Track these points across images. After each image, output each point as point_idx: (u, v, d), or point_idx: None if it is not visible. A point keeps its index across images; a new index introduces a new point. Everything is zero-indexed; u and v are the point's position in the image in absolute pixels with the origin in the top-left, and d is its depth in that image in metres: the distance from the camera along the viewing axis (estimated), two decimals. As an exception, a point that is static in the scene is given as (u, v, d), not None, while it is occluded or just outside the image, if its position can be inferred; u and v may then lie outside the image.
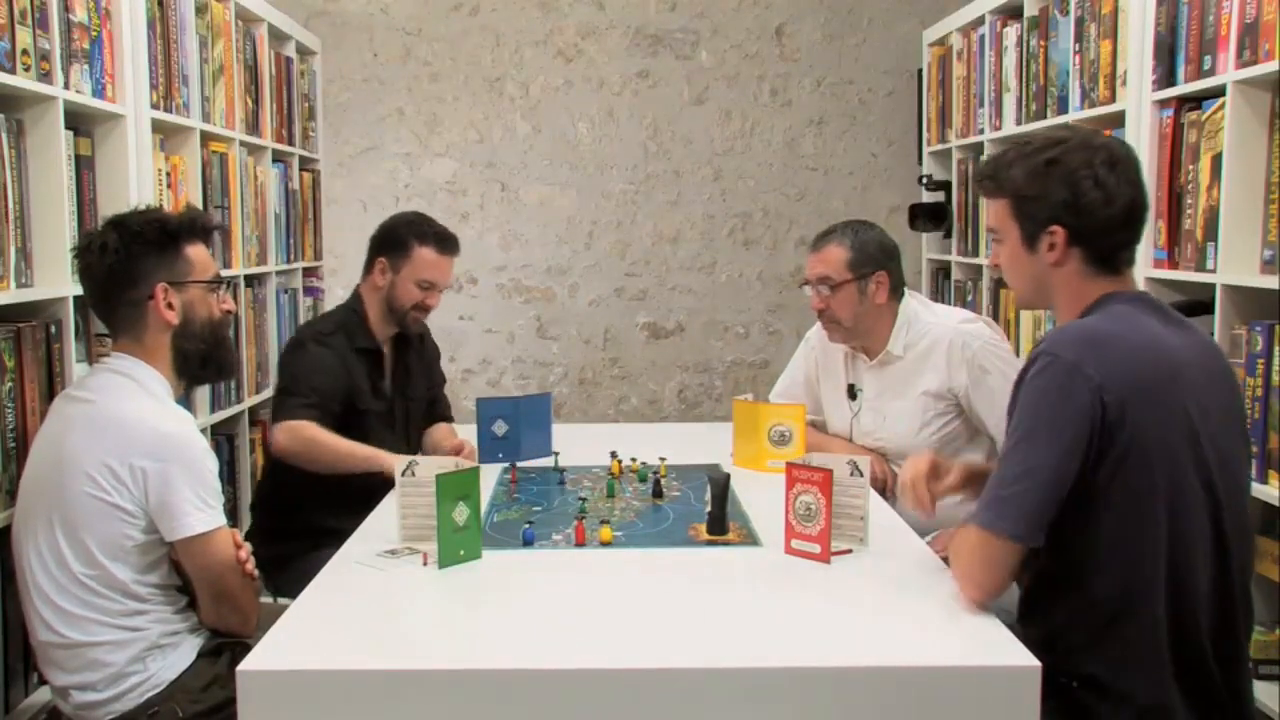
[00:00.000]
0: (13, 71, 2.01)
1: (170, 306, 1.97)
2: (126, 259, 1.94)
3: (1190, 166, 2.42)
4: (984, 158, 1.76)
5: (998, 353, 2.49)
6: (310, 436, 2.52)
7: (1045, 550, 1.64)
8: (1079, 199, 1.66)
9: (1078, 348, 1.59)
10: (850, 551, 1.93)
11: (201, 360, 2.03)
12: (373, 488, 2.40)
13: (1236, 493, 1.67)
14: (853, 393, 2.70)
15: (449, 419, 3.05)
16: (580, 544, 2.00)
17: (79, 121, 2.34)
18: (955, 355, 2.51)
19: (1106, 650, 1.59)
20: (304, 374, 2.62)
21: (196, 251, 2.02)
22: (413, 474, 1.97)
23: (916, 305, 2.64)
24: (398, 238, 2.78)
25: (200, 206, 2.81)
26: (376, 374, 2.79)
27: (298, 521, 2.64)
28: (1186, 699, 1.59)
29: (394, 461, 2.38)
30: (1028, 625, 1.67)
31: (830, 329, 2.65)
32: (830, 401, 2.78)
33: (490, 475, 2.49)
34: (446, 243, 2.81)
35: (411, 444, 2.86)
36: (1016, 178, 1.71)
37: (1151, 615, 1.57)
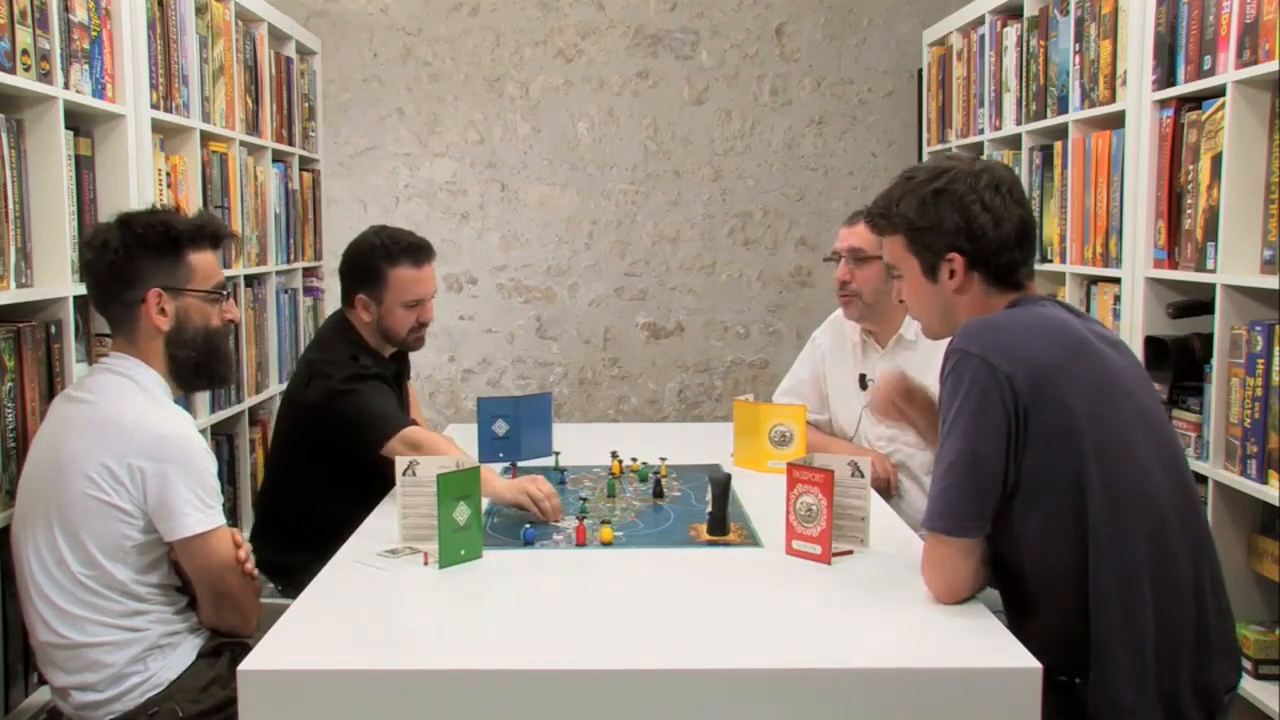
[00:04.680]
0: (13, 71, 2.01)
1: (163, 312, 1.95)
2: (125, 259, 1.93)
3: (1190, 166, 2.42)
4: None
5: None
6: (423, 442, 2.36)
7: (1005, 547, 1.66)
8: (970, 224, 1.71)
9: (981, 341, 1.64)
10: (851, 553, 1.93)
11: (194, 368, 2.02)
12: (376, 482, 2.39)
13: (1183, 472, 1.70)
14: (864, 383, 2.71)
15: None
16: (581, 544, 2.00)
17: (79, 121, 2.34)
18: None
19: (1091, 640, 1.60)
20: (378, 400, 2.47)
21: (201, 259, 2.00)
22: (413, 474, 1.97)
23: None
24: (369, 267, 2.59)
25: (200, 206, 2.80)
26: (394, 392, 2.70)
27: (311, 527, 2.50)
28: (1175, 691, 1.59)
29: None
30: (1019, 628, 1.67)
31: (849, 302, 2.66)
32: (839, 395, 2.79)
33: (490, 475, 2.48)
34: (420, 253, 2.62)
35: None
36: (907, 212, 1.76)
37: (1125, 599, 1.57)
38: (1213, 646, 1.64)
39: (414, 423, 2.50)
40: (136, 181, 2.45)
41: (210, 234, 2.03)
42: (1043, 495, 1.60)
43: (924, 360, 2.58)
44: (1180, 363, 2.45)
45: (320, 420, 2.49)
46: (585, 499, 2.26)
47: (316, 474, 2.60)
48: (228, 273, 3.00)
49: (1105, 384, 1.65)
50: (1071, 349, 1.65)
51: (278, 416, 2.86)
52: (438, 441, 2.40)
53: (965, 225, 1.71)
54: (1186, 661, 1.61)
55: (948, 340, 2.59)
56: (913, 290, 1.82)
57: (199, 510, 1.87)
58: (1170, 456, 1.68)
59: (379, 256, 2.59)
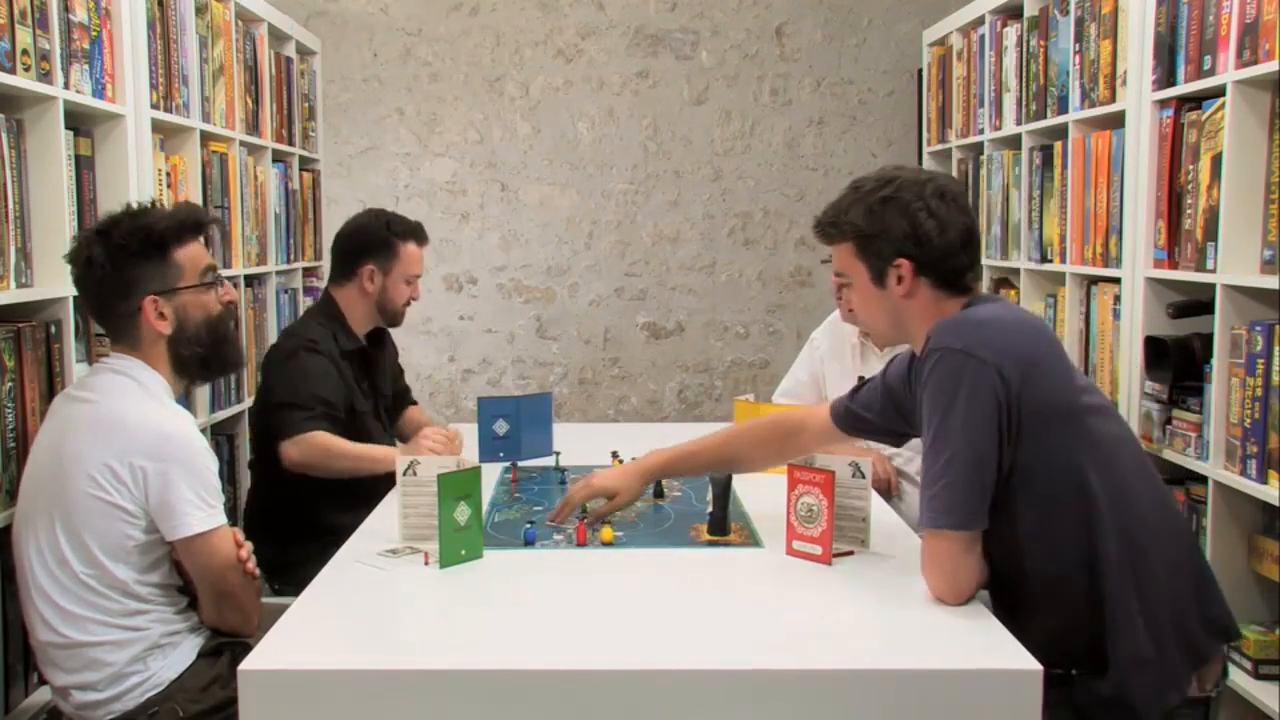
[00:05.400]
0: (13, 71, 2.01)
1: (162, 316, 1.94)
2: (114, 272, 1.90)
3: (1190, 166, 2.42)
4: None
5: None
6: (324, 446, 2.52)
7: (998, 547, 1.68)
8: (917, 230, 1.74)
9: (963, 337, 1.66)
10: (852, 553, 1.93)
11: (201, 362, 2.01)
12: (375, 483, 2.41)
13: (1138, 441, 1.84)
14: (862, 384, 2.71)
15: (414, 401, 3.18)
16: (581, 544, 2.00)
17: (79, 121, 2.33)
18: None
19: (1089, 629, 1.63)
20: (304, 384, 2.59)
21: (186, 253, 1.97)
22: (414, 474, 1.97)
23: None
24: (381, 240, 2.79)
25: (200, 206, 2.79)
26: (362, 374, 2.81)
27: (303, 522, 2.62)
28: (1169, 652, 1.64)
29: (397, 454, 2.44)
30: (1013, 628, 1.68)
31: (847, 311, 2.66)
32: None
33: (491, 475, 2.49)
34: (421, 233, 2.86)
35: (389, 435, 2.90)
36: (856, 219, 1.79)
37: (1116, 579, 1.62)
38: (1211, 587, 1.72)
39: (324, 428, 2.56)
40: (136, 181, 2.45)
41: (191, 225, 1.99)
42: (1038, 482, 1.64)
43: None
44: (1180, 363, 2.45)
45: (267, 389, 2.70)
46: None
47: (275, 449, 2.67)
48: (229, 272, 3.00)
49: (1073, 371, 1.75)
50: (1042, 338, 1.73)
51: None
52: (330, 443, 2.54)
53: (912, 232, 1.74)
54: (1194, 606, 1.67)
55: None
56: (861, 297, 1.85)
57: (200, 509, 1.87)
58: (1128, 429, 1.81)
59: (392, 232, 2.80)
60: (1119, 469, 1.67)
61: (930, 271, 1.76)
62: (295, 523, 2.62)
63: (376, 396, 2.87)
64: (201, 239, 2.03)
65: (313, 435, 2.52)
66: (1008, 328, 1.70)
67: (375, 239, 2.79)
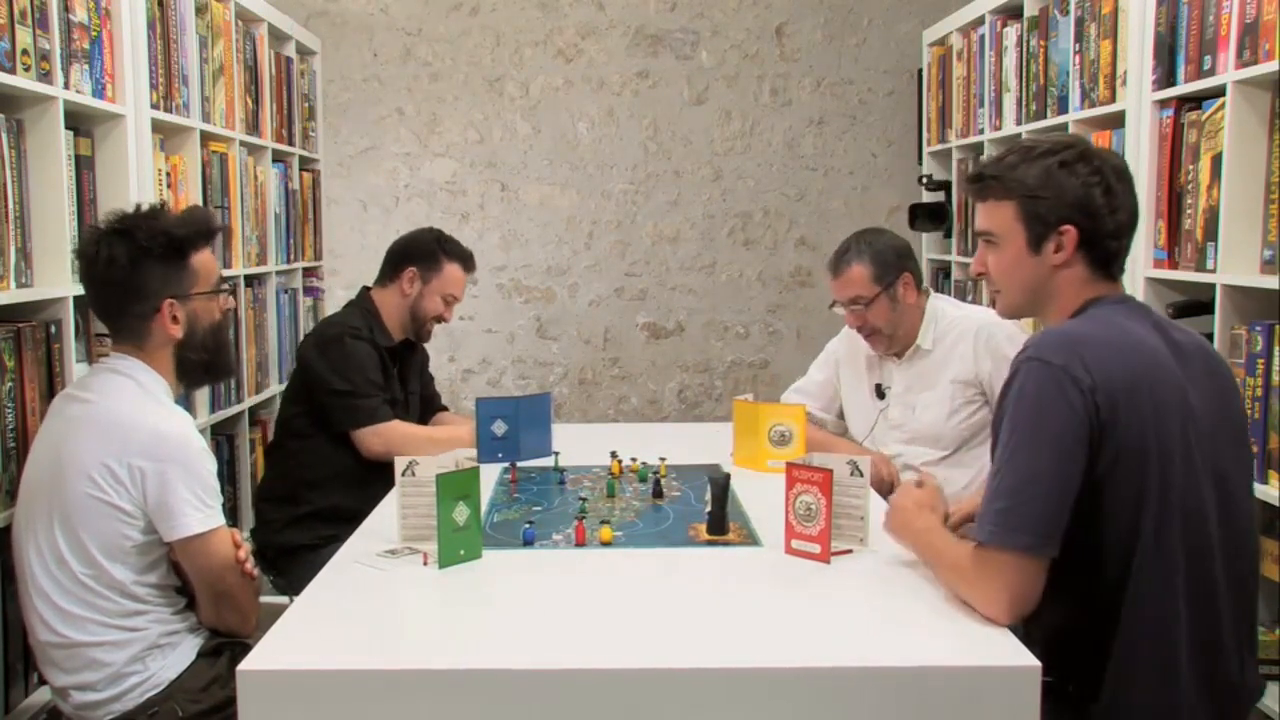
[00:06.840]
0: (13, 71, 2.01)
1: (175, 320, 1.96)
2: (133, 273, 1.91)
3: (1190, 166, 2.42)
4: (984, 158, 1.80)
5: (1020, 344, 2.51)
6: (403, 433, 2.73)
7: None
8: (1091, 201, 1.68)
9: (1063, 352, 1.59)
10: (850, 552, 1.93)
11: (204, 367, 2.04)
12: (377, 467, 2.52)
13: (1235, 495, 1.66)
14: (880, 391, 2.73)
15: (445, 407, 3.30)
16: (580, 544, 2.00)
17: (79, 121, 2.34)
18: (981, 344, 2.60)
19: (1110, 653, 1.59)
20: (357, 371, 2.74)
21: (200, 259, 1.99)
22: (413, 474, 1.97)
23: (942, 303, 2.72)
24: (430, 251, 2.94)
25: (210, 212, 2.80)
26: (390, 369, 2.93)
27: (308, 507, 2.75)
28: (1196, 700, 1.59)
29: (467, 432, 2.70)
30: (1029, 628, 1.67)
31: (874, 341, 2.71)
32: (854, 404, 2.82)
33: (490, 475, 2.49)
34: (470, 262, 3.01)
35: None
36: (1027, 179, 1.71)
37: (1156, 615, 1.57)
38: (1230, 655, 1.63)
39: (393, 415, 2.78)
40: (136, 181, 2.45)
41: (205, 232, 2.02)
42: (1102, 503, 1.57)
43: (941, 363, 2.63)
44: (1180, 363, 2.44)
45: (307, 371, 2.80)
46: (585, 499, 2.26)
47: (306, 428, 2.80)
48: (228, 272, 3.01)
49: (1175, 403, 1.60)
50: (1148, 367, 1.60)
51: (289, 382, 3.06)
52: (408, 429, 2.76)
53: (1086, 201, 1.67)
54: (1205, 671, 1.60)
55: (959, 341, 2.62)
56: (1008, 261, 1.75)
57: (198, 510, 1.87)
58: (1220, 476, 1.64)
59: (442, 247, 2.96)
60: (1176, 528, 1.56)
61: (1092, 247, 1.69)
62: (314, 507, 2.75)
63: (407, 393, 2.99)
64: (211, 247, 2.05)
65: (392, 425, 2.73)
66: (1111, 350, 1.60)
67: (424, 249, 2.94)
